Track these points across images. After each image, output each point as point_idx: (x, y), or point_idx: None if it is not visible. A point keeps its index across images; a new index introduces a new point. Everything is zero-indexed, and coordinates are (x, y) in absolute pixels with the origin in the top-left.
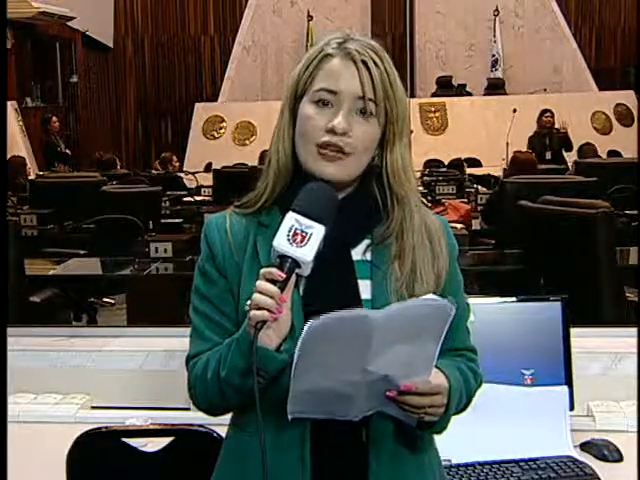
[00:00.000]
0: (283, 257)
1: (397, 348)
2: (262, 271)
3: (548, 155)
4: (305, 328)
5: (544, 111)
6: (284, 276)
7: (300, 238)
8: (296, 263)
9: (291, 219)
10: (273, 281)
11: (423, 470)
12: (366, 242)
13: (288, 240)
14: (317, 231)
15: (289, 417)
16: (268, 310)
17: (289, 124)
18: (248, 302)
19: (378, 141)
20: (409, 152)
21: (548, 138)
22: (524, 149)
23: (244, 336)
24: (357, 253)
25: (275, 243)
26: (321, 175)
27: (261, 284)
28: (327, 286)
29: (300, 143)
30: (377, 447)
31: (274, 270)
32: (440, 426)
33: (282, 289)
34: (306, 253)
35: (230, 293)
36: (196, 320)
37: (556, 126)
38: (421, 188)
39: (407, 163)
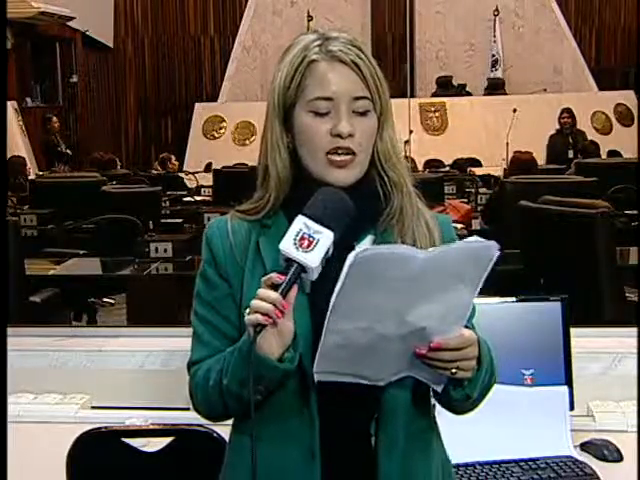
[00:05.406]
0: (289, 261)
1: (436, 296)
2: (264, 278)
3: (571, 154)
4: (350, 257)
5: (563, 111)
6: (282, 278)
7: (307, 243)
8: (302, 268)
9: (300, 222)
10: (275, 286)
11: (430, 465)
12: (370, 236)
13: (294, 244)
14: (325, 237)
15: (315, 378)
16: (266, 315)
17: (282, 134)
18: (247, 310)
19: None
20: (394, 131)
21: (571, 138)
22: (524, 149)
23: (245, 344)
24: (361, 246)
25: (281, 246)
26: (334, 181)
27: (260, 291)
28: (333, 284)
29: (306, 153)
30: (387, 442)
31: (273, 275)
32: (471, 388)
33: (285, 292)
34: (311, 258)
35: (232, 297)
36: (197, 325)
37: (581, 129)
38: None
39: (395, 144)
